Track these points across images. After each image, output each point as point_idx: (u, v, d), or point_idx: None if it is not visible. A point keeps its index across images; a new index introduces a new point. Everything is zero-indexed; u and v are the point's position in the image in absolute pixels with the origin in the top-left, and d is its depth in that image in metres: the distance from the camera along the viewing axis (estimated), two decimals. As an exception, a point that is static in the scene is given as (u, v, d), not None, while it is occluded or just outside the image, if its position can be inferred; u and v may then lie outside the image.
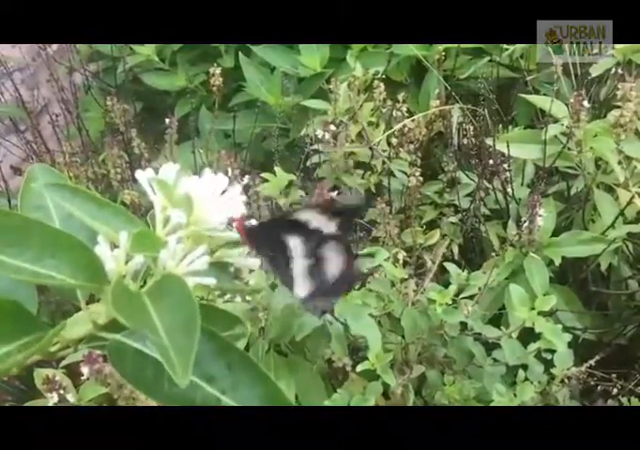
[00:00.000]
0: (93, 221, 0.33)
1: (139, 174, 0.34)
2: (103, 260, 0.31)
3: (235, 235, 0.34)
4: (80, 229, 0.34)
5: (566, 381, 0.65)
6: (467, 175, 0.94)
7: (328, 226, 0.36)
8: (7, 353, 0.30)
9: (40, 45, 1.16)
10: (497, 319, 0.79)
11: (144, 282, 0.33)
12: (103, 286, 0.32)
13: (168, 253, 0.31)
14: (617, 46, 0.87)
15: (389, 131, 0.90)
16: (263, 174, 0.80)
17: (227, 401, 0.31)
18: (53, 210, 0.37)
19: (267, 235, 0.36)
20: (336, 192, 0.72)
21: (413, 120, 0.94)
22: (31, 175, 0.39)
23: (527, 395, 0.58)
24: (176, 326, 0.28)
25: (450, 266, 0.70)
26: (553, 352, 0.64)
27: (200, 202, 0.33)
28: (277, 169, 0.80)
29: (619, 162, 0.75)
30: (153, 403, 0.33)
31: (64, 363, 0.66)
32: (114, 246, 0.32)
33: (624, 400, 0.69)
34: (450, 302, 0.63)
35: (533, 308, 0.61)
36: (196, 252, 0.32)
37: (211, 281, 0.32)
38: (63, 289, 0.35)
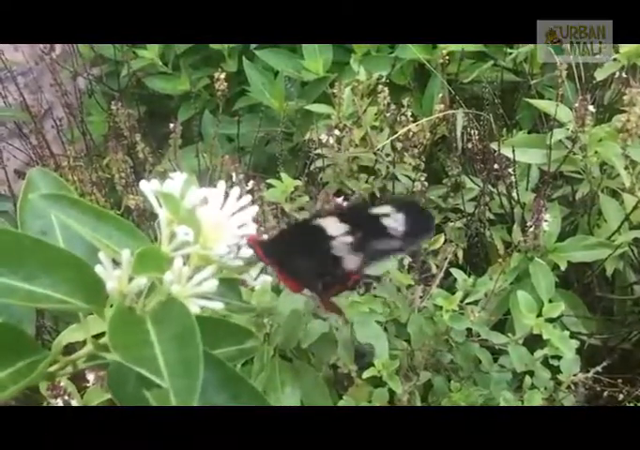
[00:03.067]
0: (94, 234, 0.31)
1: (143, 185, 0.31)
2: (104, 279, 0.29)
3: (241, 263, 0.32)
4: (83, 240, 0.32)
5: (572, 387, 0.65)
6: (472, 180, 0.94)
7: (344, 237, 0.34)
8: (1, 380, 0.29)
9: (43, 49, 1.16)
10: (501, 324, 0.79)
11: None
12: (103, 306, 0.30)
13: (173, 275, 0.29)
14: (622, 50, 0.87)
15: (394, 136, 0.90)
16: (269, 180, 0.79)
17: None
18: (54, 220, 0.35)
19: (283, 248, 0.35)
20: (341, 198, 0.71)
21: (417, 124, 0.94)
22: (31, 182, 0.36)
23: (535, 402, 0.58)
24: (179, 363, 0.27)
25: (457, 272, 0.69)
26: (559, 358, 0.64)
27: (208, 220, 0.31)
28: (283, 175, 0.80)
29: (625, 167, 0.75)
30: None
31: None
32: (115, 262, 0.30)
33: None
34: (457, 308, 0.63)
35: (540, 315, 0.61)
36: (204, 273, 0.30)
37: (219, 306, 0.30)
38: (61, 308, 0.33)
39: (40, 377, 0.31)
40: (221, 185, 0.33)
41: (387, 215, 0.33)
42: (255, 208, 0.33)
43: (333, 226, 0.33)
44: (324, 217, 0.34)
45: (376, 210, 0.33)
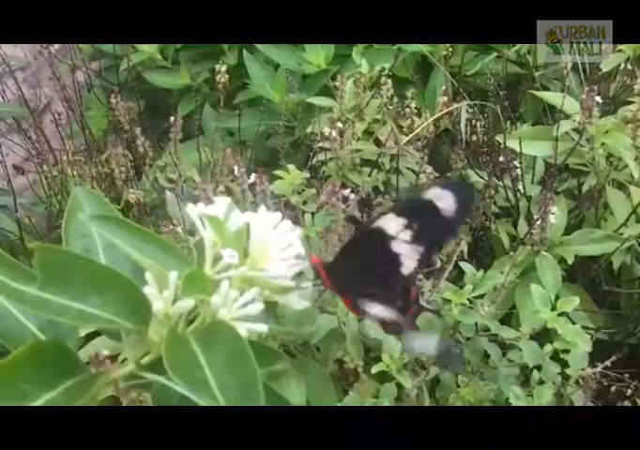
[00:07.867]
0: (139, 255, 0.31)
1: (189, 209, 0.32)
2: (151, 300, 0.30)
3: (289, 283, 0.32)
4: (124, 259, 0.34)
5: (580, 382, 0.64)
6: (477, 173, 0.92)
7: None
8: (50, 401, 0.29)
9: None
10: (507, 318, 0.78)
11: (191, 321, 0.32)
12: (147, 327, 0.30)
13: (220, 297, 0.30)
14: (627, 41, 0.86)
15: (398, 130, 0.89)
16: (276, 172, 0.78)
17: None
18: (97, 239, 0.36)
19: (347, 266, 0.34)
20: (348, 190, 0.70)
21: (421, 117, 0.93)
22: (74, 200, 0.38)
23: (545, 398, 0.57)
24: (233, 386, 0.26)
25: (466, 266, 0.68)
26: (567, 352, 0.63)
27: (255, 241, 0.31)
28: (290, 166, 0.79)
29: (635, 158, 0.74)
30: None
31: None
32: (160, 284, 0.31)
33: (639, 401, 0.68)
34: (466, 302, 0.62)
35: (554, 309, 0.60)
36: (248, 296, 0.30)
37: (264, 329, 0.30)
38: (107, 328, 0.33)
39: (92, 397, 0.31)
40: (262, 208, 0.33)
41: (438, 196, 0.34)
42: (299, 230, 0.33)
43: (392, 223, 0.34)
44: (380, 217, 0.35)
45: (428, 194, 0.35)
